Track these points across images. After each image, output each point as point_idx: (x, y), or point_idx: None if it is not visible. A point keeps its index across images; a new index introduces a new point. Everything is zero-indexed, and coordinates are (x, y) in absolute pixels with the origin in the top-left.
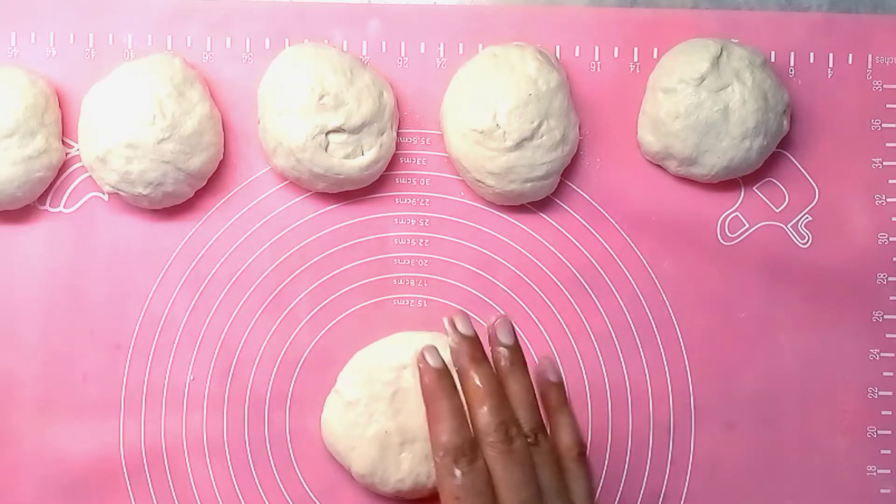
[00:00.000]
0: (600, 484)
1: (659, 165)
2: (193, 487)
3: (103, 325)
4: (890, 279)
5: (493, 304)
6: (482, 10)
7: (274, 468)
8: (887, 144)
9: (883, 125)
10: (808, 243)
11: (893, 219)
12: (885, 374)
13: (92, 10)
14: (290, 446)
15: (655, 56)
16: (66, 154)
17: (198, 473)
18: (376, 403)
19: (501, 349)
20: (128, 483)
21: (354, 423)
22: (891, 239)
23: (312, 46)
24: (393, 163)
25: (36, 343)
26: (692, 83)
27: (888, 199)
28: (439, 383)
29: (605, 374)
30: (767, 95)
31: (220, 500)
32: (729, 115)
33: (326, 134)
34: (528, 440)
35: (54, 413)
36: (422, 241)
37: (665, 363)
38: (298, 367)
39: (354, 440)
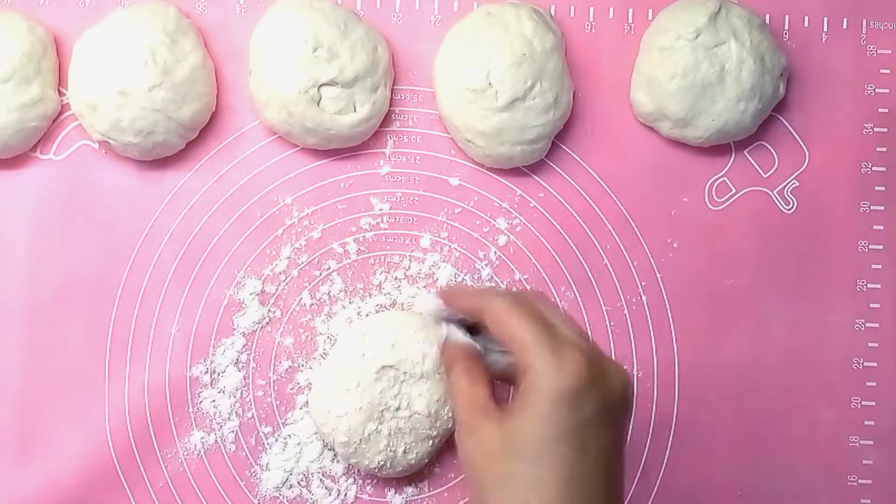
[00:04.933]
0: None
1: (651, 128)
2: (175, 437)
3: (90, 275)
4: (871, 247)
5: (482, 264)
6: None
7: (257, 420)
8: (879, 110)
9: (876, 90)
10: (793, 209)
11: (877, 188)
12: (870, 344)
13: None
14: (273, 398)
15: (650, 17)
16: (61, 103)
17: (179, 423)
18: (364, 378)
19: None
20: (107, 426)
21: (342, 398)
22: (872, 207)
23: None
24: (384, 119)
25: (23, 289)
26: (689, 38)
27: (874, 168)
28: None
29: (590, 338)
30: (765, 57)
31: (202, 455)
32: (725, 77)
33: (319, 88)
34: None
35: (39, 354)
36: (412, 198)
37: (651, 329)
38: (284, 321)
39: (341, 412)
